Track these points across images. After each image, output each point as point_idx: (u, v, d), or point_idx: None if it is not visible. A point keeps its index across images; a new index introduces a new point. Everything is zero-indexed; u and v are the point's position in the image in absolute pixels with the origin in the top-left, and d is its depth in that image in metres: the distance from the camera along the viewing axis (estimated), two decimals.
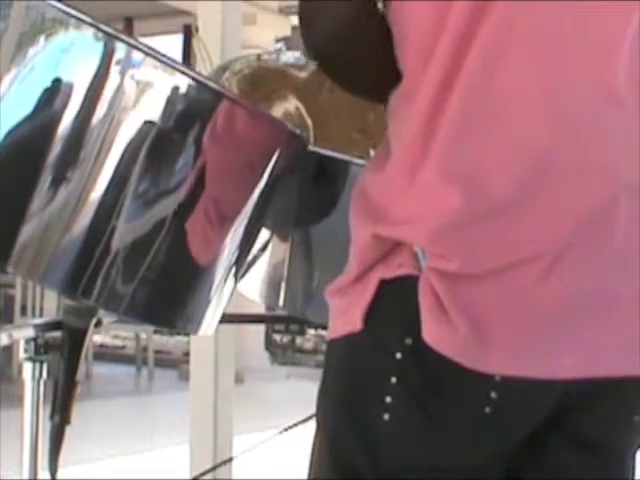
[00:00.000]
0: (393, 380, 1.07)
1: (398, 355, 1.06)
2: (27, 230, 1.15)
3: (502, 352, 1.05)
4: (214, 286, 1.28)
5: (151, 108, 1.15)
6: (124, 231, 1.16)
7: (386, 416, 1.07)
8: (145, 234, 1.18)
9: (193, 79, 1.16)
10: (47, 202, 1.14)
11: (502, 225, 1.06)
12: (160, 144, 1.16)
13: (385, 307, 1.08)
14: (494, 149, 1.06)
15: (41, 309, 6.99)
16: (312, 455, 1.16)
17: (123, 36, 1.14)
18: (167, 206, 1.18)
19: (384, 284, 1.08)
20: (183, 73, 1.16)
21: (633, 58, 1.09)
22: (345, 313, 1.12)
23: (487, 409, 1.06)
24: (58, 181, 1.15)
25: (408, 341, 1.06)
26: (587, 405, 1.12)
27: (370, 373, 1.09)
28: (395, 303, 1.09)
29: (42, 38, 1.17)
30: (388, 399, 1.07)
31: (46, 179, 1.14)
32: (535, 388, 1.07)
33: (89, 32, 1.15)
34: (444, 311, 1.04)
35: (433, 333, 1.05)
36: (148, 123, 1.15)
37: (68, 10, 1.14)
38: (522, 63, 1.06)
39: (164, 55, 1.14)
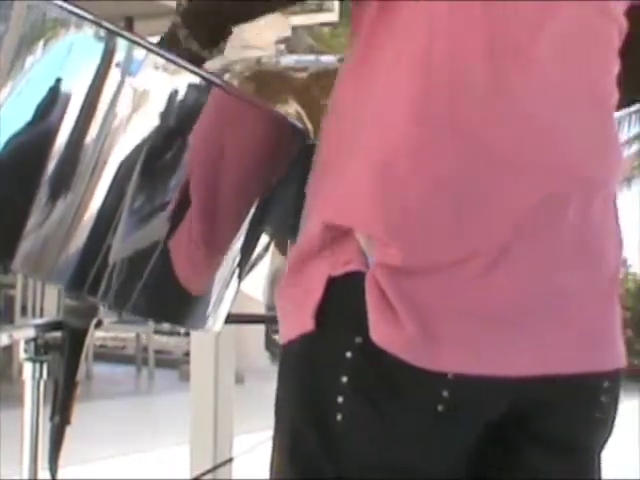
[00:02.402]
0: (344, 380, 1.06)
1: (348, 354, 1.06)
2: (32, 229, 1.15)
3: (451, 350, 1.05)
4: (220, 282, 1.28)
5: (153, 107, 1.15)
6: (130, 228, 1.16)
7: (339, 416, 1.06)
8: (151, 231, 1.18)
9: (196, 74, 1.16)
10: (51, 202, 1.15)
11: (446, 218, 1.06)
12: (164, 142, 1.16)
13: (334, 306, 1.08)
14: (445, 139, 1.06)
15: (41, 309, 7.00)
16: (272, 457, 1.15)
17: (124, 32, 1.14)
18: (172, 207, 1.18)
19: (332, 282, 1.07)
20: (186, 69, 1.16)
21: (582, 54, 1.12)
22: (294, 314, 1.11)
23: (440, 407, 1.05)
24: (62, 180, 1.15)
25: (358, 340, 1.06)
26: (547, 404, 1.12)
27: (322, 373, 1.08)
28: (344, 301, 1.08)
29: (43, 38, 1.17)
30: (340, 399, 1.06)
31: (50, 178, 1.15)
32: (489, 386, 1.07)
33: (90, 31, 1.15)
34: (391, 308, 1.04)
35: (380, 331, 1.04)
36: (151, 123, 1.15)
37: (69, 7, 1.14)
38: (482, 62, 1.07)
39: (166, 51, 1.15)
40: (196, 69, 1.16)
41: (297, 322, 1.10)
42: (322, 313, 1.07)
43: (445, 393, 1.05)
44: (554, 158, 1.09)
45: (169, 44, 1.20)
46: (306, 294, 1.09)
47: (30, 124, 1.15)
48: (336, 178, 1.09)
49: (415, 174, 1.05)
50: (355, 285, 1.06)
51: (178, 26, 1.21)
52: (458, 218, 1.05)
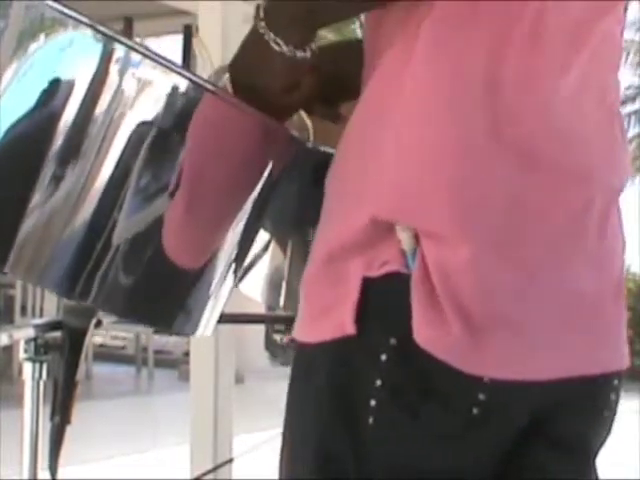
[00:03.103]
0: (378, 383, 1.05)
1: (383, 357, 1.04)
2: (24, 232, 1.15)
3: (493, 353, 1.04)
4: (212, 286, 1.28)
5: (150, 107, 1.15)
6: (121, 231, 1.16)
7: (370, 419, 1.05)
8: (142, 234, 1.18)
9: (190, 80, 1.16)
10: (43, 203, 1.14)
11: (507, 231, 1.05)
12: (158, 143, 1.16)
13: (370, 308, 1.06)
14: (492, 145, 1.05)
15: (41, 309, 7.01)
16: (282, 455, 1.14)
17: (120, 37, 1.14)
18: (163, 206, 1.18)
19: (367, 283, 1.06)
20: (180, 74, 1.16)
21: (600, 59, 1.11)
22: (325, 315, 1.09)
23: (475, 410, 1.04)
24: (56, 180, 1.14)
25: (393, 342, 1.04)
26: (565, 405, 1.12)
27: (355, 376, 1.07)
28: (380, 303, 1.06)
29: (41, 37, 1.17)
30: (372, 402, 1.05)
31: (44, 178, 1.14)
32: (521, 390, 1.06)
33: (88, 32, 1.15)
34: (439, 309, 1.03)
35: (424, 333, 1.03)
36: (147, 123, 1.15)
37: (66, 11, 1.13)
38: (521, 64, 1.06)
39: (161, 57, 1.14)
40: (191, 75, 1.16)
41: (331, 324, 1.08)
42: (359, 316, 1.05)
43: (481, 396, 1.04)
44: (585, 163, 1.09)
45: (254, 49, 1.15)
46: (340, 295, 1.07)
47: (29, 118, 1.15)
48: (390, 172, 1.06)
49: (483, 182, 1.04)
50: (392, 286, 1.04)
51: (261, 29, 1.12)
52: (517, 231, 1.05)
